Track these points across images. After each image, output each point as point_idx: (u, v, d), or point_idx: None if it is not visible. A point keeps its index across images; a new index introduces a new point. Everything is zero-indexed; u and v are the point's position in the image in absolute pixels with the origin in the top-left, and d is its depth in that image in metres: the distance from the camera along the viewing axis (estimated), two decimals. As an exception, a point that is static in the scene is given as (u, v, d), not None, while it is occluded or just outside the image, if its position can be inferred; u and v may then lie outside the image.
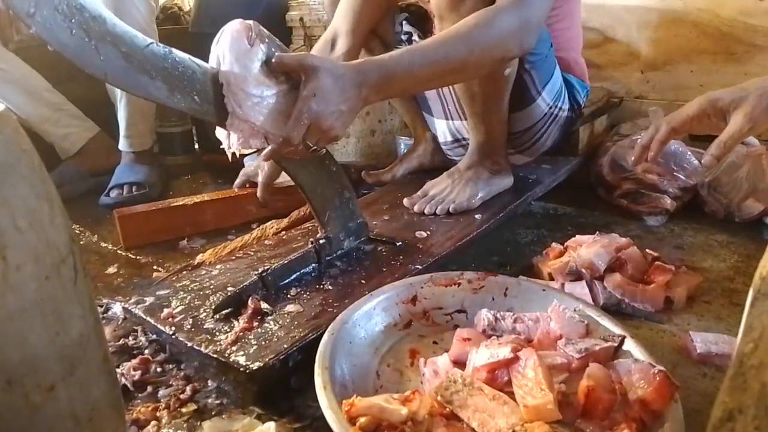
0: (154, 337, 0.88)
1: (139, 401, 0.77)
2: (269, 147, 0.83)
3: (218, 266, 1.01)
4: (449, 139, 1.40)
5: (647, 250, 1.06)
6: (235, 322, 0.82)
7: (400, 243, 1.06)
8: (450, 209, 1.18)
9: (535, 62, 1.19)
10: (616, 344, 0.71)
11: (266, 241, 1.12)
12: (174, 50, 0.77)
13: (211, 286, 0.93)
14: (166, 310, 0.86)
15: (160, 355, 0.85)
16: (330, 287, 0.92)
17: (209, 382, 0.79)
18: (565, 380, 0.68)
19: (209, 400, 0.76)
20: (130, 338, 0.90)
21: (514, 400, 0.63)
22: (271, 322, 0.82)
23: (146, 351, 0.86)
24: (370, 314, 0.82)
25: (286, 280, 0.93)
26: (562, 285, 0.98)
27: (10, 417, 0.41)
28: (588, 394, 0.62)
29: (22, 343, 0.41)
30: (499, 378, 0.67)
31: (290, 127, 0.81)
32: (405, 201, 1.24)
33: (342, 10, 1.28)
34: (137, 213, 1.32)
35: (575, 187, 1.50)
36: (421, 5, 1.32)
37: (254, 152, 0.89)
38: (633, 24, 1.73)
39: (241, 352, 0.75)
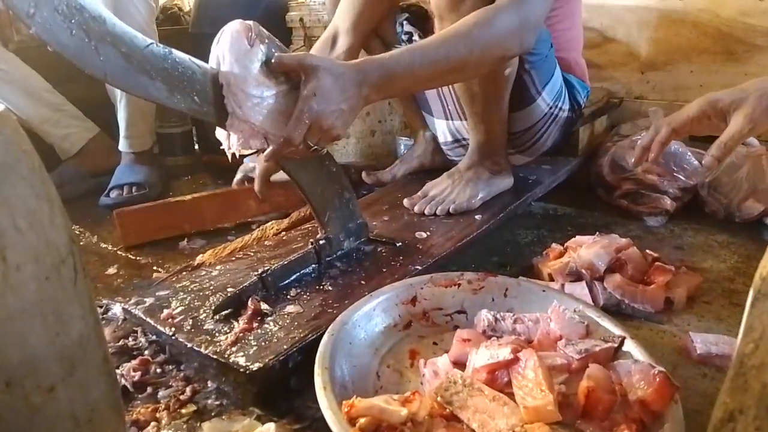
0: (154, 337, 0.88)
1: (138, 402, 0.77)
2: (270, 148, 0.83)
3: (218, 267, 1.01)
4: (449, 139, 1.39)
5: (647, 251, 1.06)
6: (235, 323, 0.82)
7: (400, 244, 1.06)
8: (450, 210, 1.18)
9: (535, 62, 1.19)
10: (616, 345, 0.71)
11: (266, 242, 1.12)
12: (174, 51, 0.77)
13: (211, 287, 0.93)
14: (165, 311, 0.86)
15: (160, 356, 0.85)
16: (330, 288, 0.92)
17: (209, 383, 0.79)
18: (565, 381, 0.68)
19: (209, 401, 0.76)
20: (130, 339, 0.89)
21: (514, 401, 0.63)
22: (271, 323, 0.82)
23: (146, 352, 0.86)
24: (370, 315, 0.82)
25: (286, 281, 0.93)
26: (562, 286, 0.98)
27: (10, 418, 0.41)
28: (588, 395, 0.62)
29: (22, 343, 0.41)
30: (499, 379, 0.67)
31: (291, 127, 0.81)
32: (405, 201, 1.24)
33: (343, 9, 1.28)
34: (136, 210, 1.32)
35: (575, 188, 1.50)
36: (421, 5, 1.32)
37: (254, 153, 0.89)
38: (633, 24, 1.73)
39: (241, 353, 0.75)
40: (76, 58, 0.66)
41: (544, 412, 0.60)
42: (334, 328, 0.76)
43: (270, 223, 1.23)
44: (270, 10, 1.87)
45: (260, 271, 0.91)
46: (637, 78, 1.77)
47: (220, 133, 0.86)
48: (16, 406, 0.41)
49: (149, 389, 0.79)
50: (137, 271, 1.19)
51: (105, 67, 0.69)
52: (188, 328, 0.82)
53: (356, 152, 1.73)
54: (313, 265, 0.98)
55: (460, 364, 0.72)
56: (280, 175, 1.23)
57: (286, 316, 0.84)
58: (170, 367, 0.83)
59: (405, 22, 1.32)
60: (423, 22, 1.32)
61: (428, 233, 1.10)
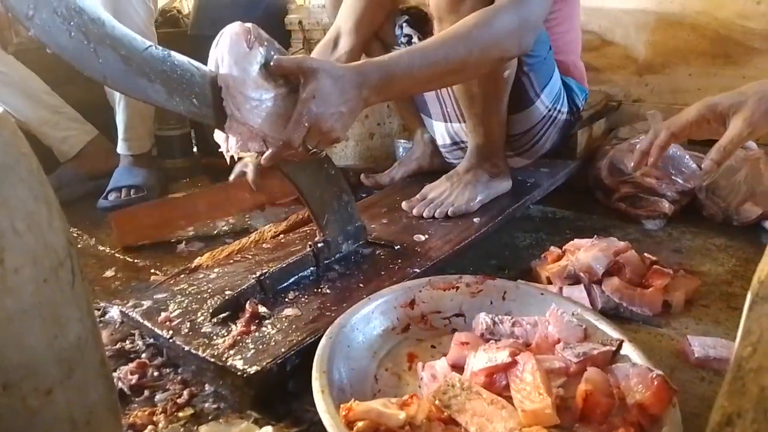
0: (152, 340, 0.88)
1: (135, 405, 0.76)
2: (269, 151, 0.83)
3: (216, 270, 1.01)
4: (448, 141, 1.40)
5: (645, 254, 1.06)
6: (233, 326, 0.82)
7: (399, 246, 1.06)
8: (448, 212, 1.18)
9: (534, 64, 1.19)
10: (614, 348, 0.71)
11: (264, 245, 1.12)
12: (173, 53, 0.77)
13: (209, 290, 0.93)
14: (163, 314, 0.86)
15: (157, 359, 0.85)
16: (328, 291, 0.92)
17: (206, 386, 0.79)
18: (563, 384, 0.68)
19: (206, 405, 0.76)
20: (127, 342, 0.89)
21: (513, 404, 0.62)
22: (269, 326, 0.82)
23: (143, 355, 0.86)
24: (368, 318, 0.82)
25: (284, 284, 0.93)
26: (561, 289, 0.98)
27: (8, 420, 0.41)
28: (586, 398, 0.62)
29: (20, 346, 0.41)
30: (498, 382, 0.67)
31: (290, 130, 0.81)
32: (403, 204, 1.24)
33: (345, 10, 1.29)
34: (131, 211, 1.32)
35: (574, 191, 1.51)
36: (421, 8, 1.32)
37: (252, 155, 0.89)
38: (631, 27, 1.74)
39: (239, 356, 0.75)
40: (75, 61, 0.66)
41: (542, 415, 0.59)
42: (332, 331, 0.75)
43: (268, 226, 1.23)
44: (269, 12, 1.87)
45: (258, 274, 0.91)
46: (636, 81, 1.77)
47: (218, 136, 0.86)
48: (14, 408, 0.41)
49: (146, 392, 0.79)
50: (135, 273, 1.19)
51: (104, 70, 0.69)
52: (186, 331, 0.82)
53: (355, 155, 1.74)
54: (312, 268, 0.98)
55: (458, 368, 0.72)
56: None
57: (284, 319, 0.84)
58: (167, 370, 0.83)
59: (404, 25, 1.32)
60: (422, 24, 1.32)
61: (427, 236, 1.10)
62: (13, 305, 0.40)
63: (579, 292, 0.96)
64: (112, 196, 1.59)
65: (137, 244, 1.31)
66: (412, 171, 1.47)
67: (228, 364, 0.74)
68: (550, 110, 1.28)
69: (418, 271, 0.97)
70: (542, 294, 0.86)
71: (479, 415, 0.61)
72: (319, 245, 0.98)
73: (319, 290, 0.92)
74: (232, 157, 0.86)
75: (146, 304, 0.89)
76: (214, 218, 1.35)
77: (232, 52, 0.80)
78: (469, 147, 1.26)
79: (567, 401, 0.64)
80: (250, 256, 1.06)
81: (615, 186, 1.42)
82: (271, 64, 0.82)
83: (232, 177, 1.36)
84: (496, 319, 0.80)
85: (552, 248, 1.09)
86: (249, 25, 0.82)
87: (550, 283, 1.02)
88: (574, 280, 0.99)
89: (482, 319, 0.80)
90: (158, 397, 0.78)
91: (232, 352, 0.76)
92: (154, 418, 0.73)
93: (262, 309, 0.85)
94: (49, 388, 0.43)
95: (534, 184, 1.33)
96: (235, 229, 1.41)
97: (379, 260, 1.02)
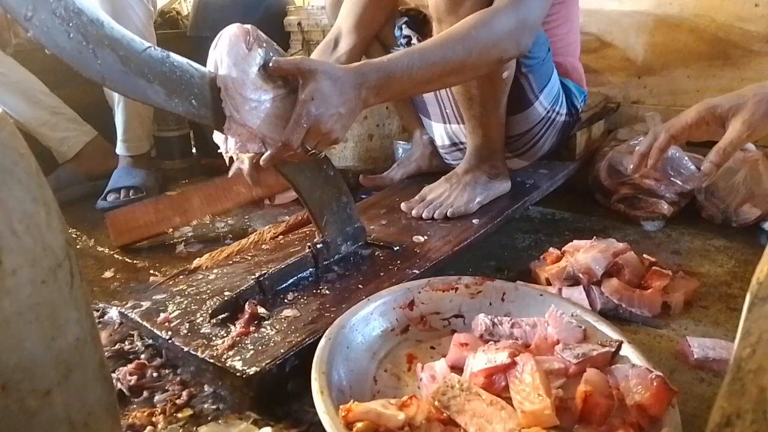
0: (151, 341, 0.88)
1: (134, 406, 0.76)
2: (268, 152, 0.83)
3: (215, 271, 1.00)
4: (447, 142, 1.40)
5: (644, 255, 1.06)
6: (232, 327, 0.82)
7: (398, 247, 1.06)
8: (448, 214, 1.18)
9: (532, 65, 1.19)
10: (613, 349, 0.71)
11: (263, 246, 1.12)
12: (171, 54, 0.77)
13: (208, 291, 0.93)
14: (162, 315, 0.86)
15: (156, 359, 0.85)
16: (327, 292, 0.92)
17: (206, 387, 0.79)
18: (562, 385, 0.68)
19: (205, 405, 0.76)
20: (126, 343, 0.89)
21: (512, 405, 0.62)
22: (268, 327, 0.82)
23: (142, 356, 0.86)
24: (368, 319, 0.82)
25: (284, 285, 0.93)
26: (560, 290, 0.98)
27: (6, 422, 0.41)
28: (585, 399, 0.62)
29: (18, 347, 0.41)
30: (497, 383, 0.66)
31: (289, 131, 0.81)
32: (403, 205, 1.24)
33: (346, 10, 1.30)
34: (125, 210, 1.31)
35: (573, 192, 1.51)
36: (420, 9, 1.32)
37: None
38: (630, 29, 1.74)
39: (238, 357, 0.75)
40: (74, 62, 0.66)
41: (541, 416, 0.59)
42: (332, 332, 0.75)
43: (267, 227, 1.23)
44: (268, 14, 1.87)
45: (257, 274, 0.90)
46: (634, 83, 1.77)
47: (217, 137, 0.86)
48: (12, 410, 0.41)
49: (145, 393, 0.78)
50: (134, 274, 1.18)
51: (102, 71, 0.69)
52: (185, 332, 0.82)
53: (354, 156, 1.74)
54: (311, 269, 0.97)
55: (457, 369, 0.72)
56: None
57: (283, 320, 0.84)
58: (167, 371, 0.83)
59: (404, 26, 1.33)
60: (422, 25, 1.33)
61: (426, 237, 1.10)
62: (11, 306, 0.40)
63: (578, 294, 0.96)
64: (111, 197, 1.59)
65: (133, 242, 1.30)
66: (411, 172, 1.47)
67: (227, 364, 0.74)
68: (548, 112, 1.28)
69: (417, 272, 0.97)
70: (541, 295, 0.86)
71: (478, 416, 0.61)
72: (319, 246, 0.98)
73: (319, 291, 0.92)
74: (231, 158, 0.86)
75: (145, 305, 0.89)
76: (210, 213, 1.32)
77: (231, 53, 0.80)
78: (468, 148, 1.26)
79: (566, 402, 0.64)
80: (249, 257, 1.06)
81: (614, 187, 1.42)
82: (270, 65, 0.82)
83: (230, 173, 1.35)
84: (496, 320, 0.80)
85: (551, 249, 1.09)
86: (248, 26, 0.82)
87: (549, 284, 1.02)
88: (573, 281, 0.99)
89: (481, 320, 0.80)
90: (157, 397, 0.78)
91: (231, 353, 0.76)
92: (153, 419, 0.73)
93: (261, 310, 0.85)
94: (48, 389, 0.43)
95: (533, 185, 1.33)
96: (235, 230, 1.41)
97: (379, 261, 1.02)
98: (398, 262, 1.01)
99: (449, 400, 0.63)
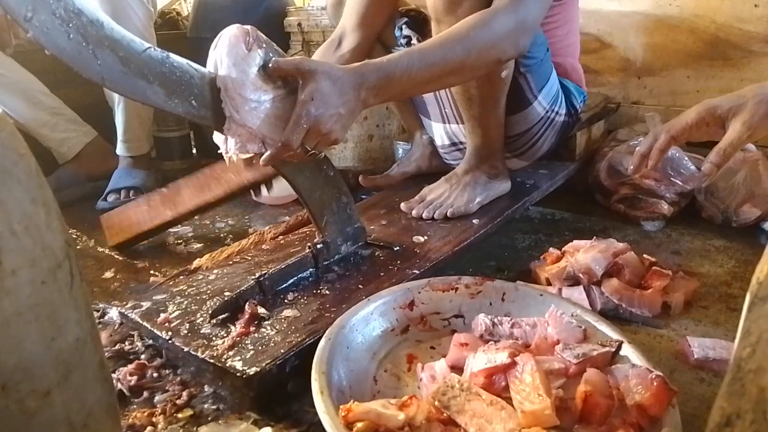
0: (151, 342, 0.88)
1: (135, 407, 0.76)
2: (268, 152, 0.83)
3: (215, 271, 1.00)
4: (446, 142, 1.40)
5: (644, 255, 1.06)
6: (232, 327, 0.82)
7: (398, 248, 1.06)
8: (448, 214, 1.18)
9: (531, 65, 1.19)
10: (613, 349, 0.71)
11: (263, 246, 1.12)
12: (171, 55, 0.77)
13: (208, 291, 0.93)
14: (162, 315, 0.86)
15: (157, 360, 0.85)
16: (327, 292, 0.92)
17: (206, 388, 0.79)
18: (562, 385, 0.68)
19: (206, 406, 0.76)
20: (127, 343, 0.89)
21: (512, 405, 0.62)
22: (268, 327, 0.82)
23: (142, 356, 0.86)
24: (368, 319, 0.82)
25: (284, 285, 0.93)
26: (560, 290, 0.98)
27: (5, 422, 0.41)
28: (585, 399, 0.62)
29: (18, 347, 0.41)
30: (497, 383, 0.66)
31: (289, 132, 0.81)
32: (402, 206, 1.24)
33: (349, 9, 1.30)
34: (119, 210, 1.31)
35: (573, 192, 1.51)
36: (420, 10, 1.33)
37: (251, 156, 0.89)
38: (630, 30, 1.74)
39: (238, 357, 0.75)
40: (74, 62, 0.67)
41: (541, 416, 0.59)
42: (332, 332, 0.75)
43: (267, 227, 1.23)
44: (268, 14, 1.87)
45: (257, 275, 0.90)
46: (634, 83, 1.77)
47: (217, 137, 0.86)
48: (12, 410, 0.41)
49: (145, 393, 0.78)
50: (134, 275, 1.18)
51: (102, 71, 0.69)
52: (185, 332, 0.82)
53: (354, 156, 1.74)
54: (311, 269, 0.97)
55: (457, 369, 0.72)
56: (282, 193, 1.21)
57: (283, 320, 0.84)
58: (167, 371, 0.83)
59: (404, 26, 1.33)
60: (421, 25, 1.33)
61: (426, 237, 1.10)
62: (10, 307, 0.40)
63: (578, 294, 0.96)
64: (111, 198, 1.59)
65: (127, 241, 1.29)
66: (411, 172, 1.47)
67: (227, 365, 0.74)
68: (547, 112, 1.28)
69: (417, 272, 0.97)
70: (541, 295, 0.86)
71: (479, 416, 0.61)
72: (319, 246, 0.98)
73: (319, 291, 0.92)
74: (231, 158, 0.86)
75: (145, 305, 0.89)
76: (199, 201, 1.27)
77: (230, 53, 0.80)
78: (468, 148, 1.26)
79: (566, 402, 0.64)
80: (250, 258, 1.06)
81: (614, 187, 1.42)
82: (270, 65, 0.82)
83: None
84: (496, 320, 0.80)
85: (551, 249, 1.09)
86: (247, 27, 0.82)
87: (549, 284, 1.02)
88: (573, 281, 0.99)
89: (481, 321, 0.80)
90: (157, 398, 0.77)
91: (231, 353, 0.76)
92: (154, 419, 0.73)
93: (261, 310, 0.85)
94: (47, 389, 0.43)
95: (533, 185, 1.33)
96: (235, 230, 1.41)
97: (379, 261, 1.02)
98: (398, 262, 1.01)
99: (449, 400, 0.63)
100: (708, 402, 0.74)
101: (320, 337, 0.75)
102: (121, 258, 1.27)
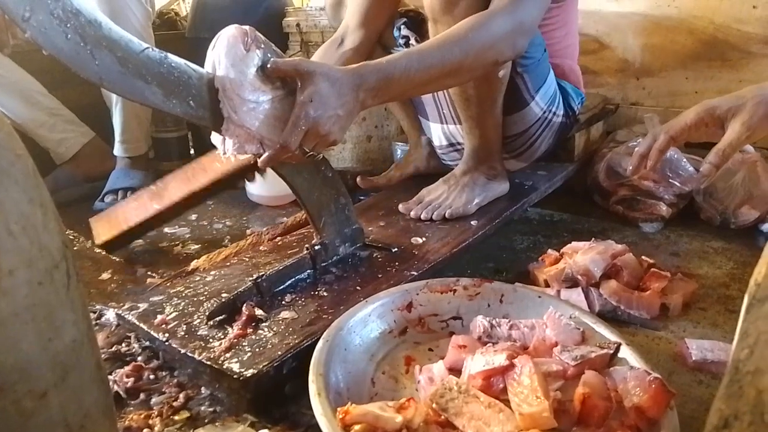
0: (148, 343, 0.87)
1: (131, 408, 0.76)
2: (267, 153, 0.83)
3: (212, 272, 1.00)
4: (444, 143, 1.40)
5: (643, 257, 1.06)
6: (229, 329, 0.82)
7: (396, 249, 1.06)
8: (446, 215, 1.18)
9: (528, 66, 1.20)
10: (611, 351, 0.71)
11: (261, 247, 1.12)
12: (169, 55, 0.77)
13: (205, 293, 0.93)
14: (159, 317, 0.85)
15: (153, 362, 0.85)
16: (325, 293, 0.92)
17: (203, 390, 0.79)
18: (560, 387, 0.68)
19: (202, 408, 0.76)
20: (123, 345, 0.89)
21: (510, 407, 0.62)
22: (266, 329, 0.82)
23: (139, 358, 0.86)
24: (366, 321, 0.82)
25: (281, 287, 0.93)
26: (558, 292, 0.98)
27: (1, 424, 0.41)
28: (584, 401, 0.62)
29: (14, 348, 0.41)
30: (495, 385, 0.66)
31: (288, 133, 0.81)
32: (401, 207, 1.24)
33: (351, 9, 1.31)
34: (108, 210, 1.30)
35: (571, 194, 1.51)
36: (419, 11, 1.33)
37: (250, 166, 0.88)
38: (628, 31, 1.74)
39: (235, 359, 0.75)
40: (72, 62, 0.66)
41: (539, 418, 0.59)
42: (329, 334, 0.75)
43: (265, 228, 1.23)
44: (267, 15, 1.87)
45: (255, 276, 0.90)
46: (633, 84, 1.78)
47: (215, 138, 0.86)
48: (8, 411, 0.41)
49: (142, 395, 0.78)
50: (131, 276, 1.18)
51: (100, 72, 0.69)
52: (182, 333, 0.82)
53: (352, 158, 1.74)
54: (309, 271, 0.97)
55: (455, 371, 0.72)
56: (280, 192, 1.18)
57: (280, 321, 0.84)
58: (163, 373, 0.83)
59: (402, 27, 1.33)
60: (420, 26, 1.33)
61: (424, 239, 1.10)
62: (7, 307, 0.39)
63: (576, 295, 0.96)
64: (108, 199, 1.59)
65: (113, 239, 1.26)
66: (409, 173, 1.47)
67: (224, 367, 0.74)
68: (545, 112, 1.28)
69: (415, 273, 0.97)
70: (540, 297, 0.86)
71: (476, 419, 0.61)
72: (316, 248, 0.98)
73: (316, 293, 0.92)
74: (229, 159, 0.86)
75: (142, 306, 0.89)
76: (186, 191, 1.22)
77: (229, 54, 0.79)
78: (466, 149, 1.26)
79: (565, 404, 0.64)
80: (247, 259, 1.05)
81: (612, 189, 1.42)
82: (268, 66, 0.82)
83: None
84: (494, 322, 0.80)
85: (549, 251, 1.09)
86: (246, 27, 0.82)
87: (547, 286, 1.02)
88: (571, 283, 0.99)
89: (480, 322, 0.80)
90: (154, 400, 0.77)
91: (228, 355, 0.76)
92: (150, 422, 0.73)
93: (258, 312, 0.85)
94: (44, 391, 0.43)
95: (532, 186, 1.33)
96: (232, 231, 1.41)
97: (377, 263, 1.02)
98: (396, 263, 1.01)
99: (447, 403, 0.62)
100: (706, 404, 0.74)
101: (318, 339, 0.74)
102: (118, 259, 1.26)
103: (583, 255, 1.01)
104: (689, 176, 1.36)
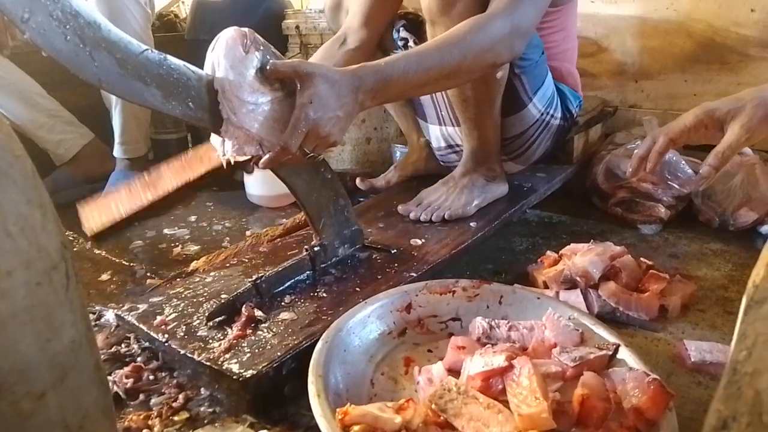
0: (147, 344, 0.87)
1: (131, 409, 0.76)
2: (267, 155, 0.83)
3: (212, 273, 1.00)
4: (442, 144, 1.40)
5: (642, 259, 1.06)
6: (229, 330, 0.82)
7: (395, 250, 1.06)
8: (445, 216, 1.18)
9: (526, 67, 1.20)
10: (610, 353, 0.71)
11: (260, 249, 1.12)
12: (169, 57, 0.77)
13: (205, 294, 0.93)
14: (159, 318, 0.85)
15: (153, 362, 0.85)
16: (324, 295, 0.92)
17: (202, 390, 0.79)
18: (559, 389, 0.68)
19: (202, 409, 0.76)
20: (123, 345, 0.89)
21: (509, 408, 0.62)
22: (265, 330, 0.82)
23: (139, 358, 0.86)
24: (365, 322, 0.82)
25: (281, 288, 0.93)
26: (557, 293, 0.98)
27: (0, 425, 0.41)
28: (583, 402, 0.62)
29: (13, 349, 0.41)
30: (494, 386, 0.66)
31: (287, 135, 0.81)
32: (400, 208, 1.24)
33: (353, 9, 1.31)
34: (96, 198, 1.28)
35: (570, 196, 1.51)
36: (418, 13, 1.33)
37: (248, 159, 0.88)
38: (627, 33, 1.75)
39: (235, 360, 0.75)
40: (71, 64, 0.66)
41: (538, 419, 0.59)
42: (329, 335, 0.75)
43: (264, 229, 1.23)
44: (266, 17, 1.87)
45: (254, 277, 0.90)
46: (632, 87, 1.78)
47: (214, 140, 0.86)
48: (6, 412, 0.41)
49: (142, 396, 0.78)
50: (131, 277, 1.18)
51: (100, 73, 0.69)
52: (181, 334, 0.82)
53: (352, 159, 1.74)
54: (308, 272, 0.97)
55: (454, 372, 0.72)
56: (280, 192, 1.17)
57: (280, 322, 0.84)
58: (163, 374, 0.83)
59: (401, 29, 1.33)
60: (418, 28, 1.33)
61: (423, 240, 1.10)
62: (5, 308, 0.39)
63: (575, 297, 0.96)
64: (108, 200, 1.58)
65: (103, 226, 1.24)
66: (408, 175, 1.47)
67: (224, 367, 0.74)
68: (543, 114, 1.29)
69: (414, 275, 0.97)
70: (539, 298, 0.86)
71: (476, 420, 0.61)
72: (316, 249, 0.98)
73: (316, 294, 0.92)
74: (228, 160, 0.86)
75: (142, 307, 0.89)
76: (180, 181, 1.20)
77: (228, 56, 0.80)
78: (465, 151, 1.26)
79: (563, 405, 0.64)
80: (247, 260, 1.06)
81: (611, 191, 1.43)
82: (267, 68, 0.82)
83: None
84: (493, 323, 0.80)
85: (548, 253, 1.09)
86: (245, 29, 0.82)
87: (546, 287, 1.02)
88: (570, 284, 0.99)
89: (479, 324, 0.80)
90: (154, 401, 0.77)
91: (227, 355, 0.76)
92: (150, 422, 0.73)
93: (258, 313, 0.85)
94: (42, 392, 0.43)
95: (530, 188, 1.33)
96: (232, 232, 1.41)
97: (376, 264, 1.02)
98: (395, 265, 1.01)
99: (446, 404, 0.62)
100: (705, 405, 0.74)
101: (317, 340, 0.74)
102: (117, 260, 1.26)
103: (582, 257, 1.01)
104: (688, 178, 1.36)
